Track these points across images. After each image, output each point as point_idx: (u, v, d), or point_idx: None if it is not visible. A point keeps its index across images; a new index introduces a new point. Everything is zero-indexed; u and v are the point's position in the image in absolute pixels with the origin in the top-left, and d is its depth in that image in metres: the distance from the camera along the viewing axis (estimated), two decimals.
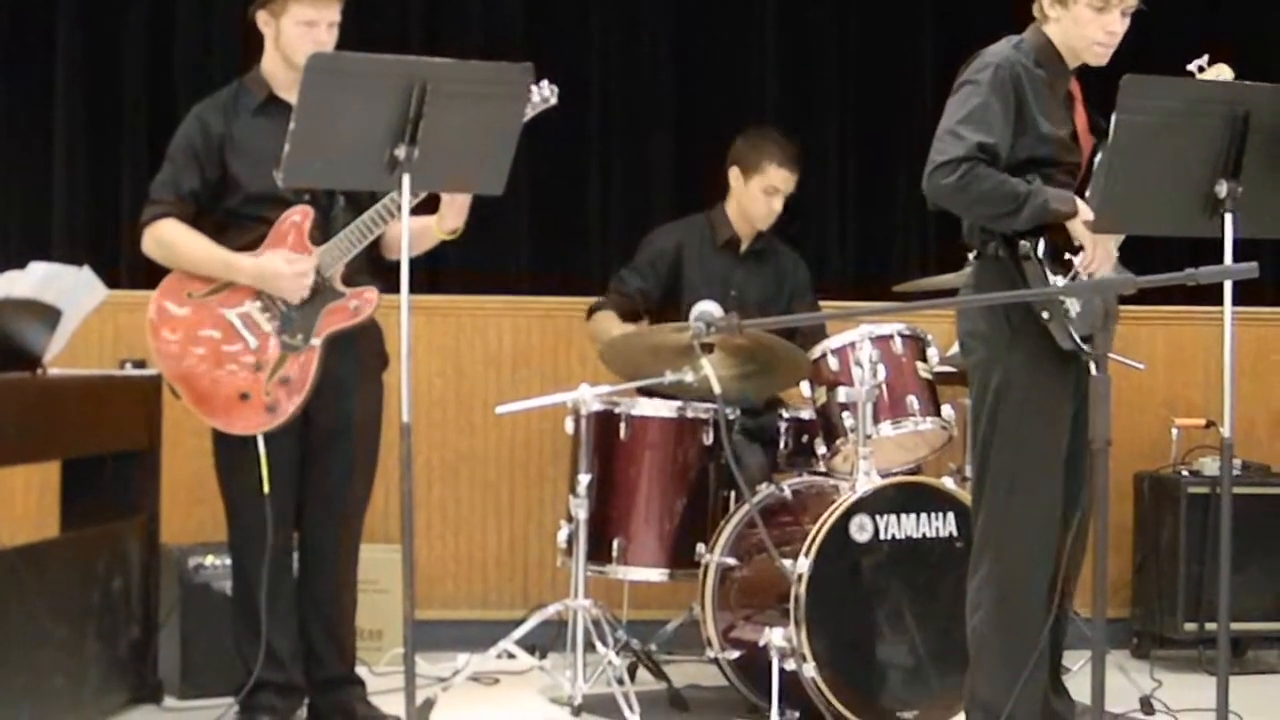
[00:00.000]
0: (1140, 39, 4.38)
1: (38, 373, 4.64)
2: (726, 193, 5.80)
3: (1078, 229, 4.19)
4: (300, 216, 4.65)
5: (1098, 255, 4.21)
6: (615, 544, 5.24)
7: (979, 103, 4.21)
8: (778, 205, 5.73)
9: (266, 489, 4.59)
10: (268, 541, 4.60)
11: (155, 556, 5.16)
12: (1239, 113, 3.92)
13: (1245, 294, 4.15)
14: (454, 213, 4.68)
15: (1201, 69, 4.19)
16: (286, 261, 4.62)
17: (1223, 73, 4.21)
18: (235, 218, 4.70)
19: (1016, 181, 4.18)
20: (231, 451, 4.69)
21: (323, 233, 4.68)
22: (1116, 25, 4.27)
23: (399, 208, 4.48)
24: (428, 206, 4.57)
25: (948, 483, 5.00)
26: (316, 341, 4.64)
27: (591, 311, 5.79)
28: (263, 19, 4.72)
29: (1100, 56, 4.31)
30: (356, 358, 4.76)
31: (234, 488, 4.73)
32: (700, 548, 5.19)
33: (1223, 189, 3.92)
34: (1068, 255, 4.24)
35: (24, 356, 4.59)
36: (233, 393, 4.61)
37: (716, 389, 5.05)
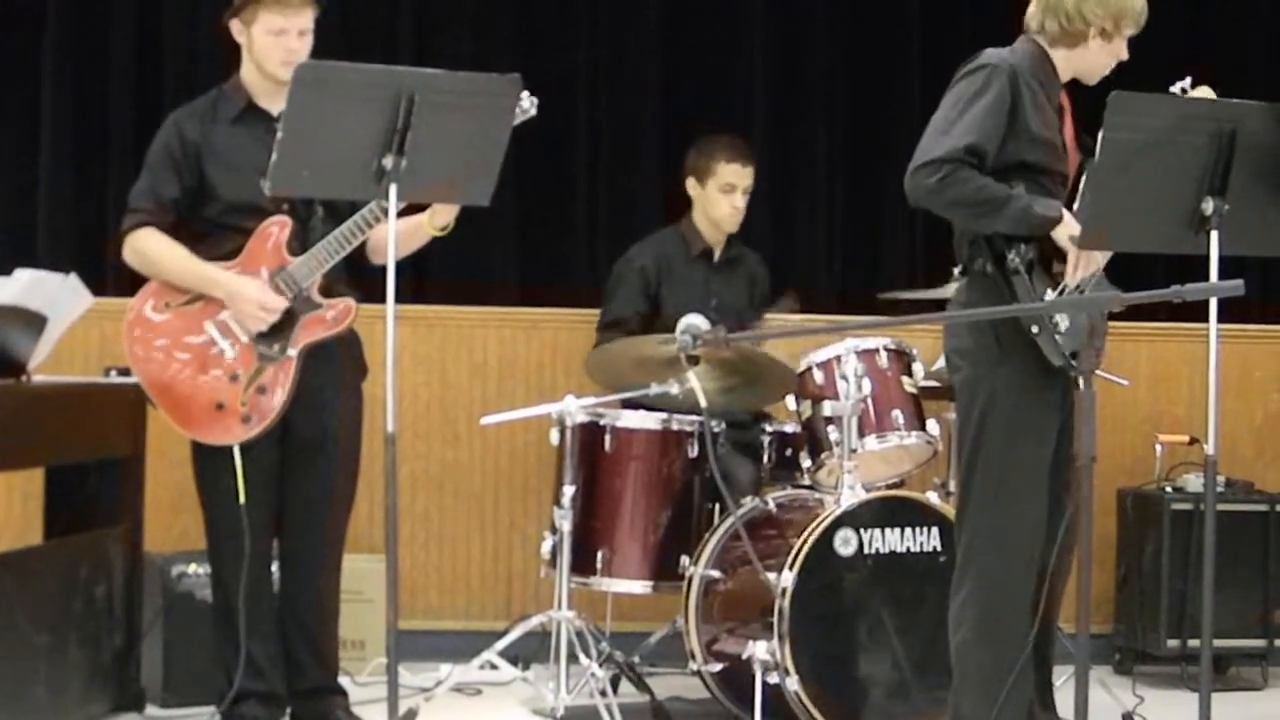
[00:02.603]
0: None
1: (22, 380, 4.64)
2: (689, 207, 5.82)
3: (1062, 238, 4.19)
4: (278, 227, 4.64)
5: (1083, 265, 4.21)
6: (599, 556, 5.23)
7: (972, 101, 4.19)
8: (739, 203, 5.75)
9: (242, 499, 4.58)
10: (245, 551, 4.60)
11: (138, 565, 5.15)
12: (1226, 130, 3.93)
13: (1230, 311, 4.16)
14: (445, 208, 4.68)
15: (1184, 91, 4.19)
16: (260, 292, 4.60)
17: (1205, 95, 4.22)
18: (213, 227, 4.69)
19: (998, 186, 4.16)
20: (209, 461, 4.68)
21: (301, 243, 4.66)
22: (1124, 52, 4.30)
23: (377, 219, 4.52)
24: (410, 208, 4.56)
25: (932, 497, 5.00)
26: (293, 352, 4.63)
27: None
28: (236, 29, 4.72)
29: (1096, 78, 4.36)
30: (336, 368, 4.75)
31: (212, 497, 4.72)
32: (684, 560, 5.18)
33: (1209, 206, 3.94)
34: (1056, 266, 4.24)
35: (8, 363, 4.58)
36: (208, 402, 4.60)
37: (702, 402, 5.05)
